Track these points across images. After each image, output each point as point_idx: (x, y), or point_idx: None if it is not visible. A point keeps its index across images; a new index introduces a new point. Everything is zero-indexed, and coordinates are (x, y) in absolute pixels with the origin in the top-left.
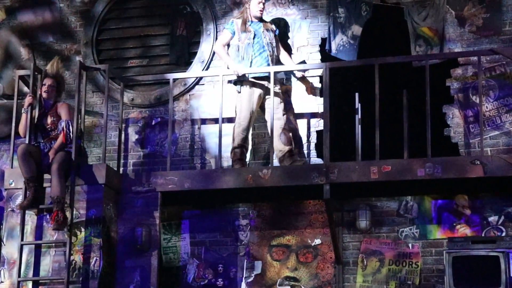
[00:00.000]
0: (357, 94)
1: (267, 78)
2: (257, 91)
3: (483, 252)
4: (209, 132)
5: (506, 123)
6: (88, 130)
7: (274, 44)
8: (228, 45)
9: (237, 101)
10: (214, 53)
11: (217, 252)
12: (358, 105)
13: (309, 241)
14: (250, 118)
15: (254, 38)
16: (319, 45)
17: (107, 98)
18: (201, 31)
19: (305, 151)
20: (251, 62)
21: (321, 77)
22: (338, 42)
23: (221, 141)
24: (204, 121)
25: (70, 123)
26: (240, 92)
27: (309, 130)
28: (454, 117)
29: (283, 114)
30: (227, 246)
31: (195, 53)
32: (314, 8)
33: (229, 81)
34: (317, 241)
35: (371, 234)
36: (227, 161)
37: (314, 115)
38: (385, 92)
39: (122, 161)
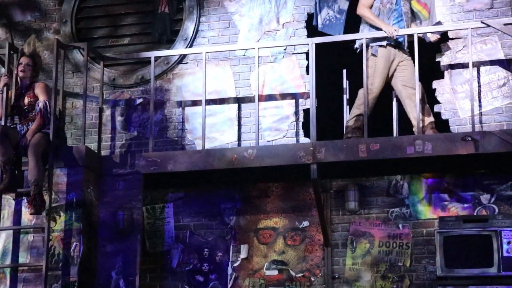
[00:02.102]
0: (344, 71)
1: (401, 45)
2: (394, 58)
3: (475, 232)
4: (193, 113)
5: (498, 99)
6: (68, 111)
7: (409, 15)
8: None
9: (370, 65)
10: (197, 30)
11: (202, 236)
12: (346, 82)
13: (297, 223)
14: (382, 86)
15: (395, 3)
16: (305, 20)
17: (86, 77)
18: (183, 8)
19: (293, 130)
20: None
21: (307, 53)
22: (324, 17)
23: (205, 122)
24: (188, 101)
25: (47, 104)
26: (376, 56)
27: (297, 109)
28: (445, 93)
29: (413, 87)
30: (212, 229)
31: (178, 31)
32: None
33: (355, 45)
34: (305, 223)
35: (360, 215)
36: (211, 142)
37: (301, 94)
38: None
39: (103, 143)
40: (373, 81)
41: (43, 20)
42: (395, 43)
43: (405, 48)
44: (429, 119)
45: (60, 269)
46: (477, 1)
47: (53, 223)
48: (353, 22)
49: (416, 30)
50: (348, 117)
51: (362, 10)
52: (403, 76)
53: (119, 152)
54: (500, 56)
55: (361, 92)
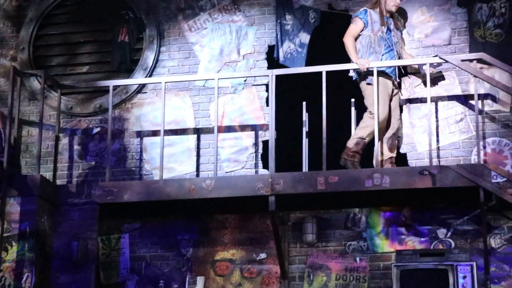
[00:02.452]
0: (304, 104)
1: (391, 76)
2: (390, 85)
3: (431, 266)
4: (152, 142)
5: (455, 134)
6: (23, 139)
7: (400, 45)
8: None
9: (368, 94)
10: (157, 60)
11: (158, 267)
12: (305, 115)
13: (254, 256)
14: (386, 111)
15: (385, 33)
16: (266, 52)
17: (43, 105)
18: (144, 38)
19: (252, 162)
20: (382, 56)
21: (267, 85)
22: (285, 50)
23: (163, 152)
24: (146, 131)
25: (2, 132)
26: (371, 85)
27: (256, 140)
28: (403, 127)
29: (398, 119)
30: (168, 261)
31: (138, 60)
32: (261, 14)
33: (357, 73)
34: (262, 255)
35: (318, 248)
36: (169, 172)
37: (261, 126)
38: (333, 101)
39: (59, 172)
40: (381, 105)
41: (0, 47)
42: (388, 75)
43: (396, 79)
44: (390, 154)
45: None
46: (435, 37)
47: (4, 253)
48: (315, 55)
49: (376, 64)
50: (350, 139)
51: (346, 38)
52: (392, 106)
53: (75, 182)
54: (458, 91)
55: (366, 116)
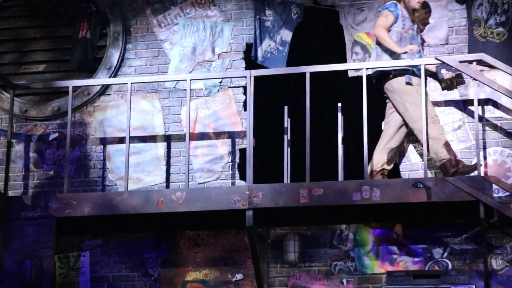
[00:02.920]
0: (286, 108)
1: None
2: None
3: (426, 287)
4: (116, 150)
5: (453, 142)
6: None
7: (420, 41)
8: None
9: (404, 96)
10: (123, 59)
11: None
12: (287, 121)
13: (229, 276)
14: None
15: (416, 30)
16: (244, 51)
17: None
18: (108, 34)
19: (228, 172)
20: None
21: (245, 87)
22: (265, 49)
23: (128, 160)
24: (110, 137)
25: None
26: (411, 85)
27: (233, 148)
28: None
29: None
30: (134, 282)
31: (101, 59)
32: (238, 9)
33: (379, 73)
34: (239, 276)
35: (300, 268)
36: (135, 183)
37: (238, 132)
38: (318, 105)
39: (11, 182)
40: (416, 111)
41: None
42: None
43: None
44: (387, 166)
45: None
46: (431, 35)
47: None
48: (298, 55)
49: (364, 65)
50: (440, 150)
51: (378, 30)
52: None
53: (29, 193)
54: (455, 96)
55: (433, 126)
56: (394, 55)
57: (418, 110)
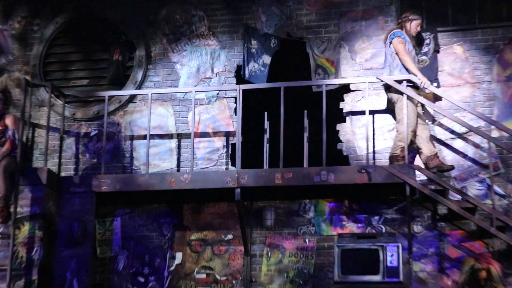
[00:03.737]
0: (266, 114)
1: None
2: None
3: (365, 246)
4: (140, 143)
5: (388, 140)
6: (35, 139)
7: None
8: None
9: (400, 105)
10: (145, 76)
11: (144, 245)
12: (266, 123)
13: (223, 236)
14: (417, 120)
15: (414, 52)
16: (235, 71)
17: (49, 111)
18: (134, 57)
19: (222, 160)
20: None
21: (235, 98)
22: (251, 69)
23: (149, 151)
24: (135, 134)
25: (16, 132)
26: (407, 97)
27: (226, 143)
28: (346, 134)
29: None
30: (153, 240)
31: (129, 76)
32: (231, 40)
33: (387, 87)
34: (230, 236)
35: (275, 231)
36: (153, 168)
37: (230, 131)
38: (289, 111)
39: (63, 166)
40: (409, 117)
41: (15, 63)
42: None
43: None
44: (437, 150)
45: (22, 270)
46: (373, 61)
47: (17, 231)
48: (275, 74)
49: (325, 82)
50: (393, 148)
51: (404, 57)
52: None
53: (76, 174)
54: (391, 106)
55: (401, 129)
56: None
57: (406, 116)
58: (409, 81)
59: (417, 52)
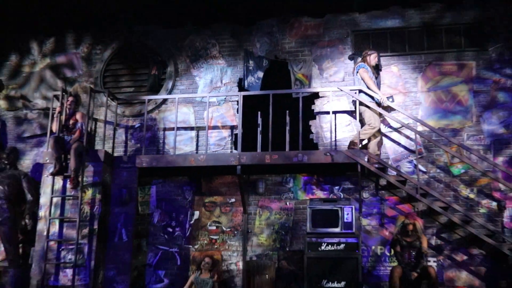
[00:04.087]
0: (259, 113)
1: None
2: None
3: (329, 207)
4: (169, 133)
5: (346, 132)
6: (97, 130)
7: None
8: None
9: (368, 112)
10: (174, 85)
11: (172, 205)
12: (259, 120)
13: (228, 200)
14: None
15: (374, 78)
16: (237, 82)
17: (106, 110)
18: (166, 72)
19: (228, 146)
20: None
21: (238, 101)
22: (249, 81)
23: (175, 138)
24: (166, 126)
25: (83, 124)
26: (370, 109)
27: (231, 133)
28: (316, 128)
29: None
30: (178, 201)
31: (162, 85)
32: (235, 60)
33: (359, 102)
34: (233, 200)
35: (265, 196)
36: (179, 150)
37: (234, 125)
38: (276, 111)
39: (116, 148)
40: (374, 121)
41: (83, 76)
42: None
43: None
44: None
45: (87, 221)
46: (335, 76)
47: (83, 194)
48: (265, 85)
49: (301, 90)
50: (359, 139)
51: (370, 84)
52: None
53: (126, 154)
54: (347, 108)
55: (365, 127)
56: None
57: (369, 119)
58: (372, 97)
59: (376, 76)
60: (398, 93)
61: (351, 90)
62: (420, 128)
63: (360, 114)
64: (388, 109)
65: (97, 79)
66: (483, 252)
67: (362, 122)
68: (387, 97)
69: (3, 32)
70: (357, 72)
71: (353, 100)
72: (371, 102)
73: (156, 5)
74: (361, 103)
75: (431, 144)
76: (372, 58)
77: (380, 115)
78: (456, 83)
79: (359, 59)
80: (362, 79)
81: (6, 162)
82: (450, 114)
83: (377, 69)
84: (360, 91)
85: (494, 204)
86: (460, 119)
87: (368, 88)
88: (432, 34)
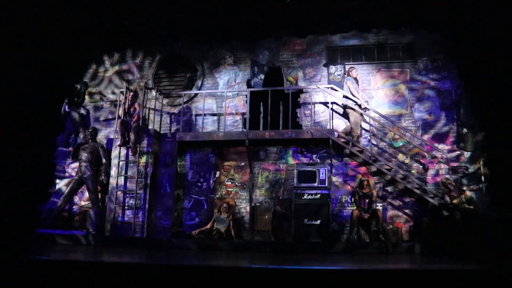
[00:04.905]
0: (261, 103)
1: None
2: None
3: (310, 169)
4: (199, 117)
5: (322, 117)
6: (150, 115)
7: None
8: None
9: (353, 117)
10: (202, 84)
11: (200, 167)
12: (262, 109)
13: (240, 163)
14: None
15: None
16: (246, 82)
17: (155, 102)
18: (197, 75)
19: (240, 126)
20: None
21: (246, 95)
22: (254, 81)
23: (203, 121)
24: (198, 113)
25: (140, 111)
26: (354, 110)
27: (242, 118)
28: (301, 115)
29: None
30: (205, 164)
31: (193, 84)
32: (245, 66)
33: (344, 105)
34: (243, 164)
35: (264, 161)
36: (205, 129)
37: (244, 112)
38: (273, 102)
39: (162, 128)
40: (356, 123)
41: (141, 78)
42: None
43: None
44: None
45: (143, 178)
46: (315, 78)
47: (140, 159)
48: (266, 84)
49: (290, 87)
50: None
51: (353, 90)
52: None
53: (169, 132)
54: (324, 100)
55: (348, 124)
56: (353, 98)
57: (354, 123)
58: (355, 102)
59: (357, 85)
60: (360, 90)
61: (325, 87)
62: (372, 114)
63: (347, 114)
64: (366, 109)
65: (149, 80)
66: (413, 199)
67: (348, 119)
68: (365, 101)
69: (86, 49)
70: (346, 83)
71: (342, 104)
72: (355, 105)
73: (189, 28)
74: (347, 107)
75: (380, 125)
76: (354, 72)
77: (361, 115)
78: (397, 84)
79: (345, 75)
80: (349, 88)
81: (89, 137)
82: (393, 105)
83: (356, 80)
84: (333, 88)
85: (421, 167)
86: (400, 108)
87: (353, 95)
88: (381, 50)
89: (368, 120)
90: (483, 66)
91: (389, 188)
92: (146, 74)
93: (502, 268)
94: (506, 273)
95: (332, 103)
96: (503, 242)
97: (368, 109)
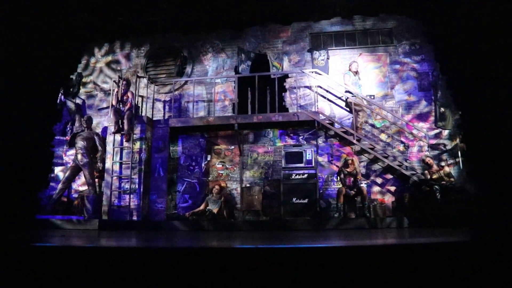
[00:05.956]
0: (249, 89)
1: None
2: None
3: (297, 150)
4: (190, 103)
5: (307, 100)
6: (142, 103)
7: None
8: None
9: (361, 116)
10: (192, 71)
11: (192, 151)
12: (249, 94)
13: (230, 147)
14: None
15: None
16: (234, 68)
17: (147, 89)
18: (187, 63)
19: (230, 111)
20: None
21: (234, 81)
22: (241, 68)
23: (193, 105)
24: (188, 100)
25: (132, 99)
26: (351, 101)
27: (231, 103)
28: (287, 98)
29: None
30: (196, 149)
31: (184, 71)
32: (232, 54)
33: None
34: (232, 147)
35: (254, 144)
36: (196, 114)
37: (232, 98)
38: (260, 87)
39: (154, 114)
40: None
41: (133, 67)
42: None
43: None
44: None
45: (136, 163)
46: (299, 63)
47: (134, 145)
48: (253, 70)
49: (275, 72)
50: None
51: (349, 83)
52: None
53: (162, 118)
54: (308, 84)
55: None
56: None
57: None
58: (351, 92)
59: (356, 77)
60: (339, 74)
61: (309, 71)
62: (352, 98)
63: (356, 110)
64: (349, 93)
65: (141, 69)
66: (395, 176)
67: (356, 112)
68: (352, 95)
69: (78, 41)
70: (344, 77)
71: (346, 98)
72: (353, 96)
73: (179, 18)
74: (350, 105)
75: (363, 107)
76: (353, 66)
77: (358, 105)
78: (378, 67)
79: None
80: (345, 81)
81: (84, 125)
82: (376, 87)
83: (356, 73)
84: (317, 72)
85: (402, 145)
86: (381, 90)
87: (348, 87)
88: (362, 36)
89: (352, 104)
90: (458, 48)
91: (372, 167)
92: (137, 64)
93: (477, 239)
94: (481, 244)
95: (317, 86)
96: (478, 213)
97: (353, 95)
